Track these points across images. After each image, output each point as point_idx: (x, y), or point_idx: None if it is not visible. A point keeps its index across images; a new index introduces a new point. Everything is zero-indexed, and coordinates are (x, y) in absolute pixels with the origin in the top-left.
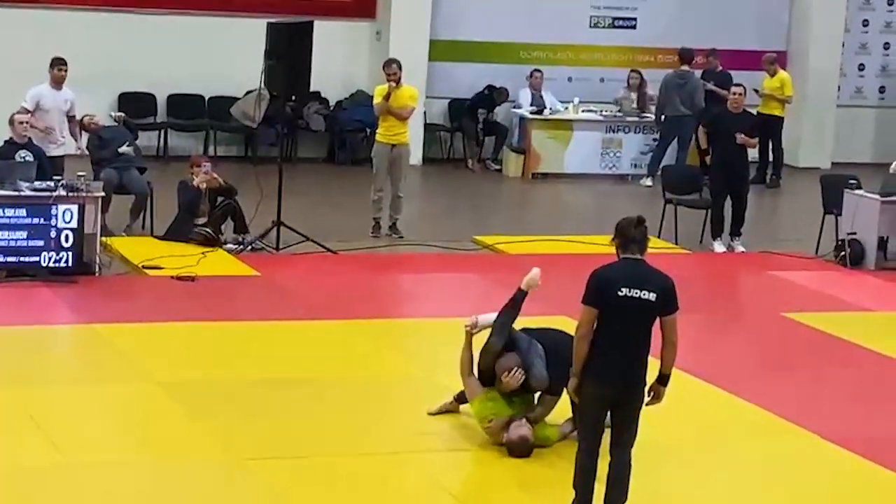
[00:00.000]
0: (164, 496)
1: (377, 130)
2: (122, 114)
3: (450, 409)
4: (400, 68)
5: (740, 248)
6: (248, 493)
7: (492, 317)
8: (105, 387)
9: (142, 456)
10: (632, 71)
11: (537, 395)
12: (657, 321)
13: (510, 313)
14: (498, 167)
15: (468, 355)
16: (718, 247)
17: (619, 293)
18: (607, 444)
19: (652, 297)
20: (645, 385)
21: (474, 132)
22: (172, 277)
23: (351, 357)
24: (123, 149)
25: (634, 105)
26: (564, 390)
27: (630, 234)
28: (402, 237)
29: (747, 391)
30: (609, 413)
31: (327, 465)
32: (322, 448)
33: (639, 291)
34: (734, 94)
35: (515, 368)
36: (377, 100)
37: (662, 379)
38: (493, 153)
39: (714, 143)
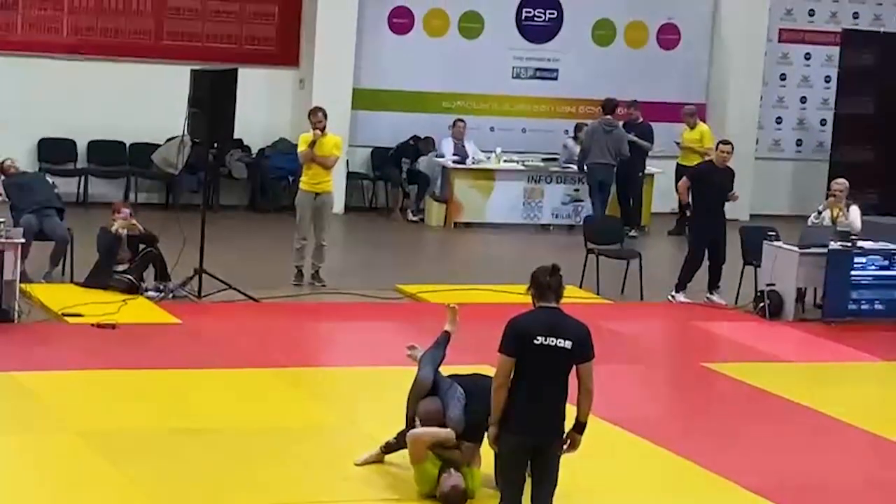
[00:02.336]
0: None
1: (301, 178)
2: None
3: (376, 460)
4: (325, 116)
5: (721, 301)
6: None
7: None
8: (24, 437)
9: None
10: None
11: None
12: (574, 369)
13: (435, 352)
14: (420, 217)
15: (429, 436)
16: (682, 297)
17: (535, 342)
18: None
19: (568, 344)
20: (563, 433)
21: (398, 181)
22: (93, 325)
23: (274, 406)
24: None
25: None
26: (485, 438)
27: (545, 283)
28: (324, 285)
29: (666, 440)
30: (529, 463)
31: None
32: (249, 499)
33: (555, 340)
34: (723, 152)
35: (450, 472)
36: (302, 147)
37: (579, 427)
38: (416, 202)
39: (698, 197)
